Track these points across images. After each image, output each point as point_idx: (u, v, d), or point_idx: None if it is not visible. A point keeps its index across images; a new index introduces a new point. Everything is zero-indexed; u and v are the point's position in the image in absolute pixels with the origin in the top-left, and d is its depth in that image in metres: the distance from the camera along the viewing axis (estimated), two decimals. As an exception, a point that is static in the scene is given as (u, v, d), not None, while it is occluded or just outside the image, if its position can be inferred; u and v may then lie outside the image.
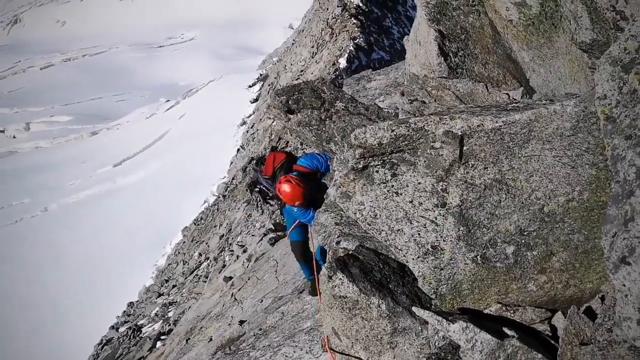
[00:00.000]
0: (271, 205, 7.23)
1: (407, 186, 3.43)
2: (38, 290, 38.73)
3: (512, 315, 3.37)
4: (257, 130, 43.04)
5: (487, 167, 3.23)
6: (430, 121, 3.28)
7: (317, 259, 6.78)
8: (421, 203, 3.41)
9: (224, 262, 22.19)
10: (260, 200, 7.21)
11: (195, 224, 39.44)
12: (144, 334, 23.69)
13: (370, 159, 3.48)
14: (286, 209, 7.21)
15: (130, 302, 32.69)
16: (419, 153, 3.37)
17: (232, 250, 22.13)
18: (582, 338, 2.86)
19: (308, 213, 6.64)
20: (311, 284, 7.76)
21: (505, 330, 3.18)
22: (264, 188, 6.94)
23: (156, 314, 25.67)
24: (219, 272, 20.48)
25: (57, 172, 58.44)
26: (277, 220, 18.22)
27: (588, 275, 3.21)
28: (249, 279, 14.10)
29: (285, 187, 6.22)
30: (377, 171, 3.51)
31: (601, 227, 3.01)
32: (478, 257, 3.32)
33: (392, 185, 3.48)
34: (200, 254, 29.83)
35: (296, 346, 6.51)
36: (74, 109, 76.93)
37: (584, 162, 3.05)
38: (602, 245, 2.38)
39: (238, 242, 22.58)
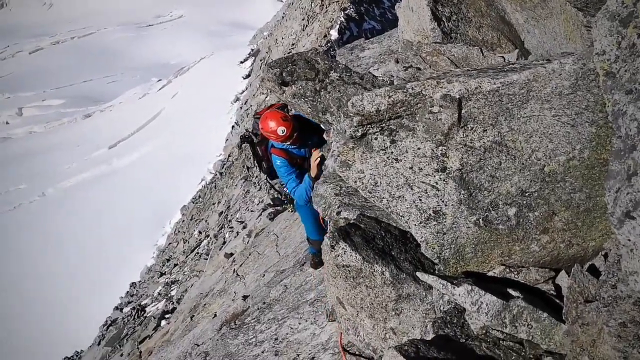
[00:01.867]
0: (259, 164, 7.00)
1: (407, 152, 3.41)
2: (40, 276, 38.87)
3: (516, 276, 3.38)
4: (251, 106, 42.91)
5: (486, 130, 3.21)
6: (428, 85, 3.24)
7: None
8: (421, 168, 3.39)
9: (224, 239, 22.27)
10: (250, 160, 7.03)
11: (193, 203, 39.53)
12: (148, 313, 23.84)
13: (368, 126, 3.46)
14: (297, 206, 7.01)
15: (133, 283, 32.87)
16: (417, 118, 3.34)
17: (232, 227, 22.19)
18: (587, 295, 2.87)
19: (295, 178, 6.32)
20: (312, 257, 7.77)
21: (510, 291, 3.19)
22: (252, 134, 6.76)
23: (159, 293, 25.82)
24: (220, 249, 20.56)
25: (53, 156, 58.26)
26: (275, 195, 18.23)
27: (590, 233, 3.22)
28: (249, 255, 14.16)
29: (269, 120, 6.03)
30: (375, 138, 3.49)
31: (603, 183, 3.01)
32: (480, 220, 3.32)
33: (392, 152, 3.45)
34: (200, 232, 29.92)
35: (301, 317, 6.55)
36: (66, 92, 76.46)
37: (584, 120, 3.03)
38: (606, 200, 2.38)
39: (237, 218, 22.64)
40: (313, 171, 6.01)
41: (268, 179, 7.14)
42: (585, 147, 3.05)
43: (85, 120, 68.79)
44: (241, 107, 48.90)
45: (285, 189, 6.99)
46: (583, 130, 3.04)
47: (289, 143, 6.12)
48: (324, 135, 6.36)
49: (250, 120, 39.05)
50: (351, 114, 3.42)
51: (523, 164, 3.18)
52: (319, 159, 5.92)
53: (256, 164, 6.90)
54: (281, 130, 5.96)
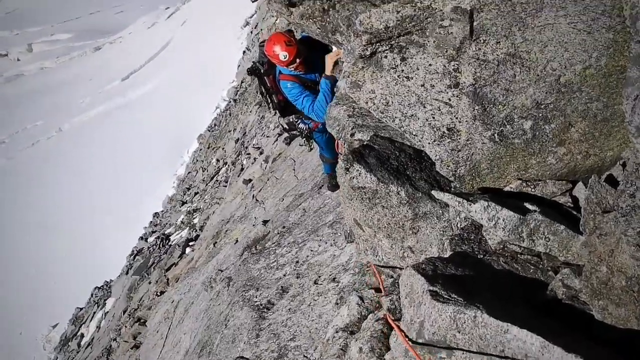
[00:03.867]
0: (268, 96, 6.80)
1: (418, 69, 3.32)
2: (64, 211, 39.63)
3: (532, 190, 3.35)
4: (261, 30, 42.06)
5: (499, 42, 3.11)
6: (437, -2, 3.13)
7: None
8: (433, 85, 3.31)
9: (242, 165, 22.39)
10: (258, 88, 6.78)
11: (209, 131, 39.57)
12: (172, 241, 24.34)
13: (377, 44, 3.36)
14: (315, 133, 6.85)
15: (156, 213, 33.43)
16: (427, 33, 3.24)
17: (249, 153, 22.26)
18: (605, 206, 2.84)
19: (309, 94, 6.02)
20: (329, 179, 7.77)
21: (527, 205, 3.17)
22: (259, 65, 6.59)
23: (182, 222, 26.27)
24: (238, 176, 20.71)
25: (66, 91, 58.32)
26: (291, 120, 18.06)
27: (608, 143, 3.15)
28: (268, 180, 14.25)
29: (273, 44, 5.82)
30: (385, 57, 3.40)
31: (621, 91, 2.92)
32: (495, 135, 3.26)
33: (402, 70, 3.37)
34: (218, 160, 30.10)
35: (320, 240, 6.62)
36: (74, 26, 75.75)
37: (600, 25, 2.91)
38: (624, 109, 2.31)
39: (254, 144, 22.66)
40: (328, 69, 5.74)
41: (280, 118, 6.93)
42: (602, 55, 2.95)
43: (96, 53, 68.38)
44: (251, 32, 48.05)
45: (300, 124, 6.86)
46: (599, 36, 2.93)
47: (292, 68, 5.95)
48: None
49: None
50: (359, 33, 3.32)
51: (538, 75, 3.08)
52: (336, 56, 5.62)
53: (267, 99, 6.73)
54: (283, 55, 5.79)
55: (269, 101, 6.63)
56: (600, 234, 2.75)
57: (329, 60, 5.69)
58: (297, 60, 5.86)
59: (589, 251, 2.82)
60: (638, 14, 2.28)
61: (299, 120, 6.79)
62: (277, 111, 6.74)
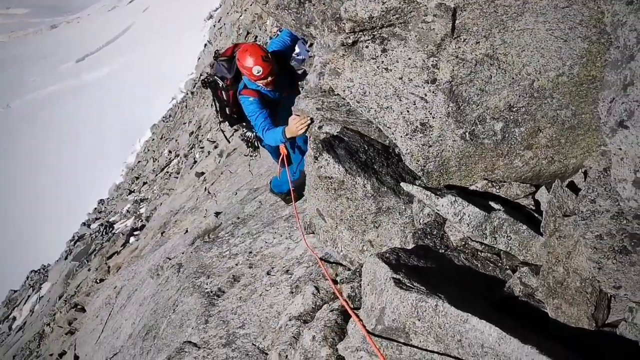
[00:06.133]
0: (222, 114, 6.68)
1: (397, 62, 3.37)
2: (4, 190, 38.47)
3: (497, 190, 3.44)
4: (225, 24, 41.85)
5: (479, 42, 3.18)
6: (423, -7, 3.19)
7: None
8: (411, 79, 3.36)
9: (194, 158, 22.18)
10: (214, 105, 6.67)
11: (163, 121, 39.06)
12: (116, 230, 23.90)
13: (360, 33, 3.40)
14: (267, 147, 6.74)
15: (101, 200, 32.81)
16: (410, 27, 3.29)
17: (203, 147, 22.06)
18: (565, 210, 2.94)
19: (266, 116, 5.78)
20: (284, 195, 7.43)
21: (491, 204, 3.25)
22: (217, 78, 6.44)
23: (128, 211, 25.87)
24: (190, 169, 20.51)
25: (18, 67, 56.75)
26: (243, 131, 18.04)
27: (573, 150, 3.26)
28: (221, 174, 14.17)
29: (249, 56, 5.60)
30: (367, 46, 3.44)
31: (590, 100, 3.04)
32: (467, 133, 3.33)
33: (382, 61, 3.41)
34: (170, 151, 29.76)
35: (275, 232, 6.61)
36: (31, 1, 73.74)
37: (577, 35, 3.02)
38: (599, 110, 2.40)
39: (208, 138, 22.46)
40: (291, 132, 5.26)
41: (224, 123, 6.79)
42: (576, 63, 3.05)
43: (51, 32, 66.72)
44: (214, 25, 47.66)
45: (247, 132, 6.79)
46: (575, 45, 3.03)
47: (262, 84, 5.79)
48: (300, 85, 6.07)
49: (224, 39, 38.11)
50: (343, 20, 3.36)
51: (513, 78, 3.17)
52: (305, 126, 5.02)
53: (218, 111, 6.63)
54: (257, 70, 5.61)
55: (221, 114, 6.59)
56: (560, 236, 2.84)
57: (300, 127, 5.09)
58: (269, 78, 5.73)
59: (547, 252, 2.91)
60: (619, 21, 2.38)
61: (246, 129, 6.76)
62: (227, 121, 6.68)
